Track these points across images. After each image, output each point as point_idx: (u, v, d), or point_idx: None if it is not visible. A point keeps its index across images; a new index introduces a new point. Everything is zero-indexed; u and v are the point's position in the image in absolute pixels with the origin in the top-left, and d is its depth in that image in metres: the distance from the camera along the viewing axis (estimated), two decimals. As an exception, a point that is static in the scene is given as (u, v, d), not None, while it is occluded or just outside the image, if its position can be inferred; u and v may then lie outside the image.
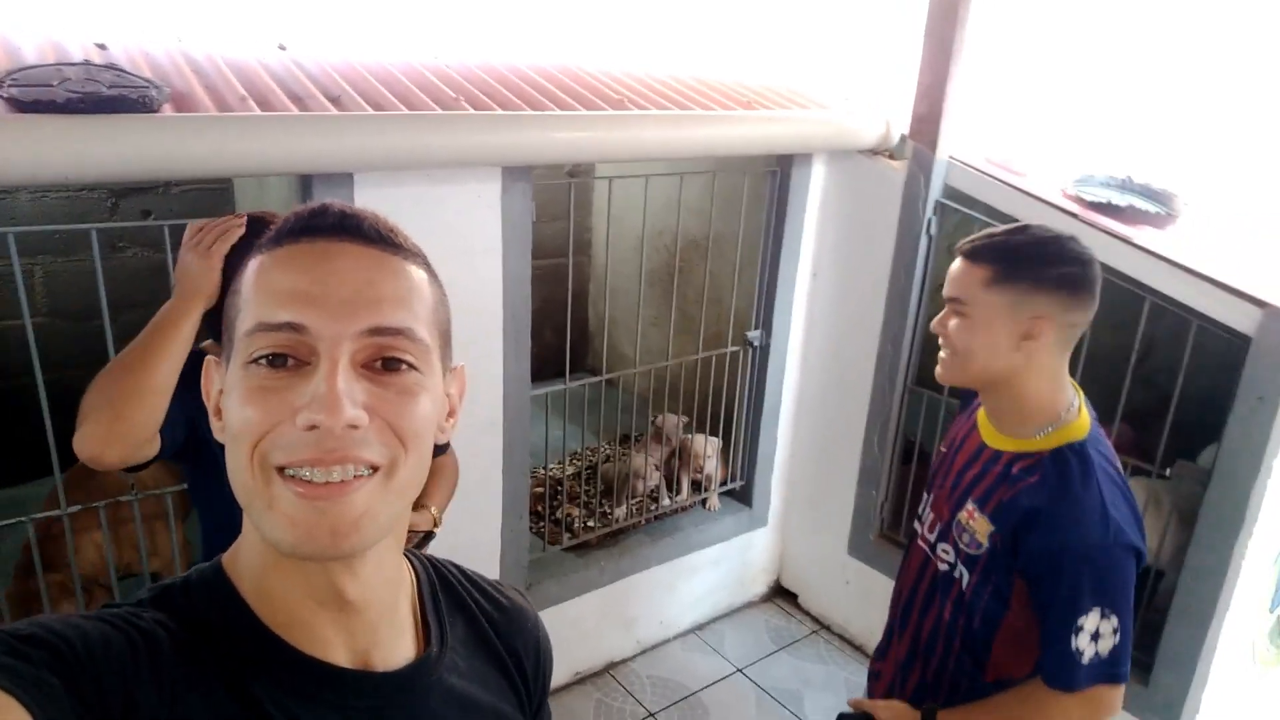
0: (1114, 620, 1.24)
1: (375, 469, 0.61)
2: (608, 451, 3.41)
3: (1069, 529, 1.26)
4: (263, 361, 0.60)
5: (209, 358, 0.68)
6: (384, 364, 0.62)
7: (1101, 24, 2.60)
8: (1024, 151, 2.64)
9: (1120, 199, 2.30)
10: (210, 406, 0.67)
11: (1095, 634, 1.24)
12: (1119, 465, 1.37)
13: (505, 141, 2.06)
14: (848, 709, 1.53)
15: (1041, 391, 1.36)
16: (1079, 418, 1.37)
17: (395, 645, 0.71)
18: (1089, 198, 2.31)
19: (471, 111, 2.03)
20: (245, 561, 0.67)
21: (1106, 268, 2.26)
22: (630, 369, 2.92)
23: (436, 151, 1.97)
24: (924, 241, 2.63)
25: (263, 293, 0.61)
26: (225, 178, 3.26)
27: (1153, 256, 2.15)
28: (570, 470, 3.32)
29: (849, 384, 2.94)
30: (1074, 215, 2.30)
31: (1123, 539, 1.26)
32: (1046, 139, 2.71)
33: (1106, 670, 1.26)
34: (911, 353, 2.79)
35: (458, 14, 2.57)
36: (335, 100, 1.94)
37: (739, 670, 2.94)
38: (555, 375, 2.66)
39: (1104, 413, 2.44)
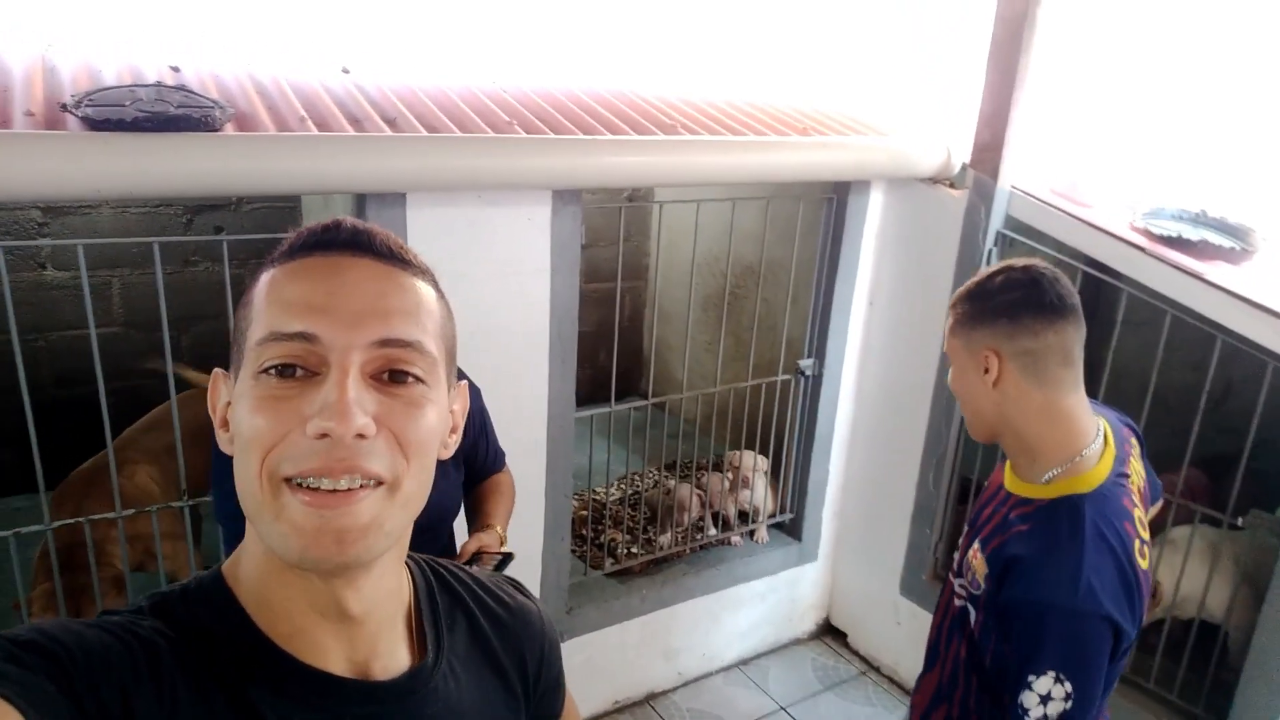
0: (1067, 686, 1.18)
1: (380, 482, 0.61)
2: (656, 477, 3.38)
3: (1040, 584, 1.22)
4: (272, 371, 0.60)
5: (216, 370, 0.69)
6: (391, 376, 0.63)
7: (1174, 50, 2.50)
8: (1091, 182, 2.55)
9: (1193, 233, 2.20)
10: (216, 419, 0.68)
11: (1046, 696, 1.19)
12: (1126, 528, 1.27)
13: (556, 165, 2.08)
14: None
15: (1041, 432, 1.30)
16: (1093, 467, 1.29)
17: (393, 654, 0.72)
18: (1158, 231, 2.21)
19: (523, 135, 2.06)
20: (246, 571, 0.67)
21: (1175, 304, 2.17)
22: (679, 394, 2.89)
23: (488, 173, 2.00)
24: (984, 273, 2.56)
25: (275, 304, 0.62)
26: (285, 195, 3.38)
27: (1226, 294, 2.04)
28: (616, 495, 3.31)
29: (904, 417, 2.86)
30: (1141, 249, 2.20)
31: (1096, 607, 1.18)
32: (1115, 170, 2.61)
33: None
34: (969, 387, 2.70)
35: (516, 39, 2.62)
36: (391, 122, 1.99)
37: (783, 708, 2.86)
38: (608, 398, 2.66)
39: (1175, 456, 2.34)
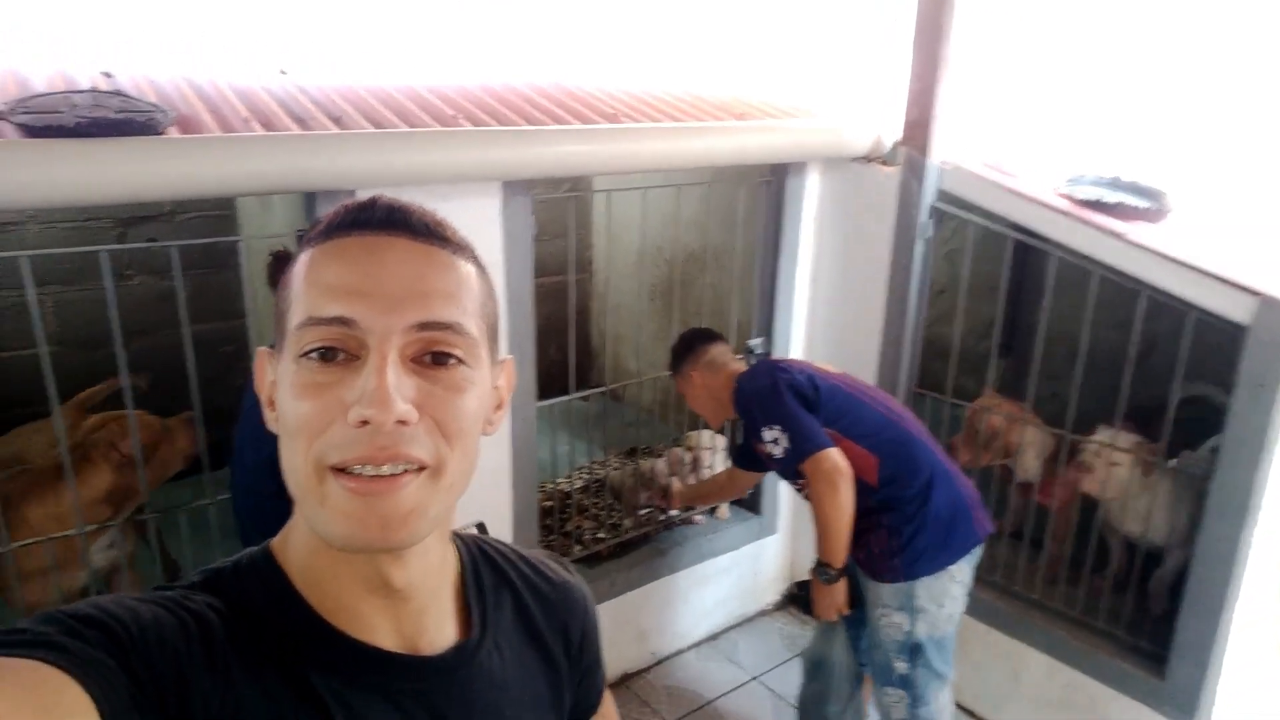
0: (777, 428, 2.04)
1: (423, 467, 0.61)
2: (615, 465, 3.43)
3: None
4: (313, 355, 0.60)
5: (261, 349, 0.69)
6: (433, 358, 0.62)
7: (1088, 25, 2.65)
8: (1016, 153, 2.68)
9: (1111, 196, 2.33)
10: (264, 398, 0.68)
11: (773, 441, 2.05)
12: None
13: (504, 156, 2.10)
14: None
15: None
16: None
17: (440, 629, 0.72)
18: (1080, 196, 2.34)
19: (470, 128, 2.07)
20: (294, 548, 0.68)
21: (1101, 264, 2.30)
22: (635, 381, 2.93)
23: (437, 167, 2.01)
24: (920, 245, 2.66)
25: (313, 287, 0.62)
26: (230, 198, 3.32)
27: (1147, 251, 2.17)
28: (579, 484, 3.34)
29: (852, 389, 2.95)
30: (1066, 214, 2.33)
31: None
32: (1038, 140, 2.74)
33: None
34: (914, 356, 2.81)
35: (456, 35, 2.62)
36: (337, 120, 1.98)
37: (755, 678, 2.93)
38: (560, 393, 2.68)
39: (1107, 410, 2.48)
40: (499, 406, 0.73)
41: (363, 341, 0.60)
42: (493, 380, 0.70)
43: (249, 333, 3.53)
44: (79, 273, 3.16)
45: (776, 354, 3.01)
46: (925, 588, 2.02)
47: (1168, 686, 2.31)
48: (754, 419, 2.10)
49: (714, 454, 3.04)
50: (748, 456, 2.38)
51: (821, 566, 2.09)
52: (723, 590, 3.12)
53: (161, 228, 3.27)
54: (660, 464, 2.99)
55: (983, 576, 2.76)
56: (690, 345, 2.36)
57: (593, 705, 0.92)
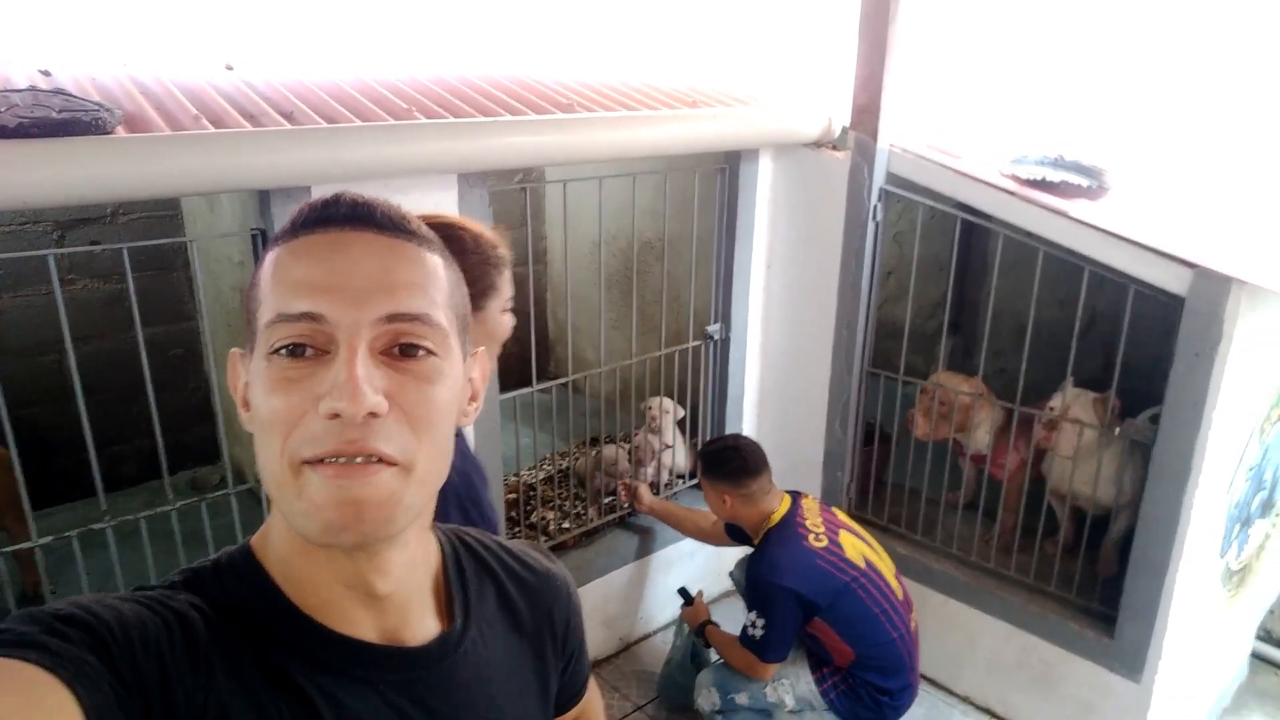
0: (762, 621, 2.24)
1: (394, 464, 0.61)
2: (578, 455, 3.44)
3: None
4: (283, 352, 0.61)
5: (234, 350, 0.69)
6: (402, 350, 0.62)
7: (1030, 6, 2.72)
8: (962, 136, 2.75)
9: (1054, 175, 2.40)
10: (237, 398, 0.68)
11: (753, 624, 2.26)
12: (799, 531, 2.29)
13: (460, 148, 2.09)
14: None
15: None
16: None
17: (423, 621, 0.73)
18: (1025, 175, 2.41)
19: (425, 120, 2.06)
20: (274, 545, 0.68)
21: (1045, 241, 2.38)
22: (595, 370, 2.95)
23: (392, 161, 2.00)
24: (871, 228, 2.72)
25: (280, 284, 0.62)
26: (174, 199, 3.24)
27: (1088, 227, 2.25)
28: (541, 475, 3.34)
29: (808, 371, 3.01)
30: (1011, 193, 2.40)
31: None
32: (982, 122, 2.82)
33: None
34: (866, 336, 2.87)
35: (405, 29, 2.60)
36: (288, 116, 1.95)
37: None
38: (518, 385, 2.68)
39: (1054, 382, 2.57)
40: (474, 398, 0.73)
41: (331, 336, 0.60)
42: (466, 372, 0.70)
43: (202, 335, 3.46)
44: (18, 280, 3.06)
45: (733, 341, 3.05)
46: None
47: (1117, 645, 2.41)
48: (754, 595, 2.30)
49: (669, 417, 3.07)
50: (736, 534, 2.57)
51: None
52: (687, 574, 3.16)
53: (104, 230, 3.18)
54: (617, 450, 3.01)
55: (938, 548, 2.85)
56: (736, 474, 2.36)
57: (578, 692, 0.93)
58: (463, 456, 1.40)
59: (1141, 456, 2.38)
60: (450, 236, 1.40)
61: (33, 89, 1.77)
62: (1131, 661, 2.39)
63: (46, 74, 1.95)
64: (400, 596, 0.70)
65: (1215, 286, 2.06)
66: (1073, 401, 2.49)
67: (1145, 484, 2.28)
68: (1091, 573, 2.61)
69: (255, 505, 2.91)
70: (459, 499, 1.39)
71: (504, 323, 1.46)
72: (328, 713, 0.64)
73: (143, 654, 0.57)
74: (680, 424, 3.17)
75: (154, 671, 0.57)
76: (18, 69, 1.94)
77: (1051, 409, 2.53)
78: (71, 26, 2.15)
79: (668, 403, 3.07)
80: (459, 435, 1.38)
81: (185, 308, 3.44)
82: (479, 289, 1.41)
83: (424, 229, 0.68)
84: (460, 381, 0.68)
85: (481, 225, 1.44)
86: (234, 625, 0.64)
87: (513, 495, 3.03)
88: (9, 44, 2.05)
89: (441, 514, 1.12)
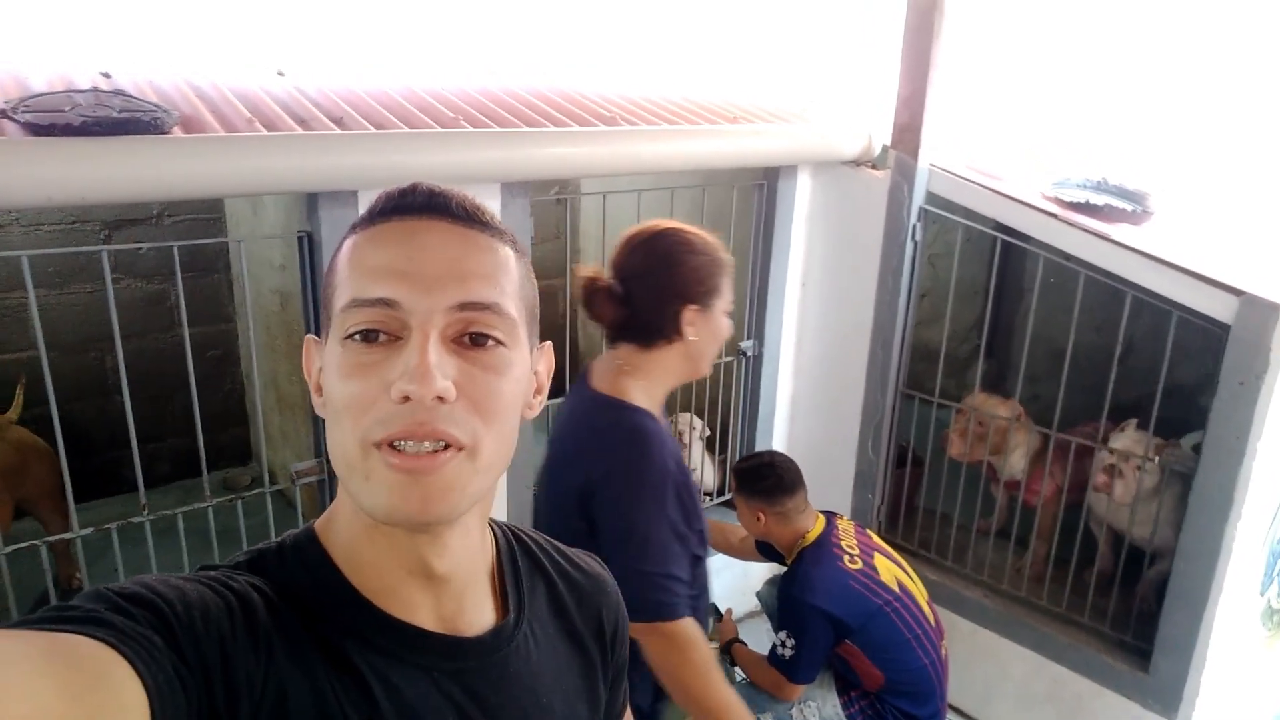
0: (792, 641, 2.16)
1: (461, 448, 0.62)
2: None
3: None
4: (357, 337, 0.62)
5: (309, 336, 0.71)
6: (472, 339, 0.64)
7: (1074, 30, 2.71)
8: (1003, 157, 2.73)
9: (1097, 198, 2.39)
10: (311, 384, 0.69)
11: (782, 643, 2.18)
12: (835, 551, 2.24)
13: (504, 157, 2.12)
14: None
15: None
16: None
17: (479, 611, 0.74)
18: (1067, 198, 2.40)
19: (470, 129, 2.09)
20: (338, 529, 0.69)
21: (1087, 265, 2.36)
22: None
23: (437, 168, 2.02)
24: (909, 247, 2.71)
25: (356, 270, 0.64)
26: (218, 201, 3.30)
27: (1132, 251, 2.23)
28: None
29: (842, 390, 2.99)
30: (1053, 215, 2.38)
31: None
32: (1025, 144, 2.81)
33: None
34: (902, 358, 2.85)
35: (453, 42, 2.64)
36: (338, 121, 1.99)
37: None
38: (549, 396, 2.68)
39: (1091, 410, 2.54)
40: (539, 391, 0.74)
41: (405, 322, 0.62)
42: (532, 364, 0.71)
43: (240, 337, 3.51)
44: (65, 277, 3.12)
45: (766, 357, 3.04)
46: None
47: (1152, 681, 2.36)
48: (785, 614, 2.24)
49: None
50: (767, 551, 2.51)
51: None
52: (714, 592, 3.11)
53: (149, 230, 3.24)
54: None
55: (969, 575, 2.81)
56: (772, 491, 2.30)
57: (616, 715, 0.92)
58: (661, 442, 1.42)
59: (1181, 486, 2.34)
60: (680, 240, 1.45)
61: (95, 90, 1.82)
62: (1167, 698, 2.34)
63: (108, 76, 2.00)
64: (458, 582, 0.71)
65: (1262, 314, 2.03)
66: (1133, 445, 2.41)
67: (1184, 515, 2.23)
68: (1126, 605, 2.56)
69: (287, 506, 2.94)
70: (675, 486, 1.41)
71: (725, 324, 1.51)
72: (382, 695, 0.65)
73: (204, 634, 0.58)
74: (708, 442, 3.16)
75: (215, 651, 0.58)
76: (81, 71, 1.99)
77: (1111, 450, 2.45)
78: (132, 32, 2.21)
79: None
80: (650, 419, 1.41)
81: (224, 310, 3.49)
82: (706, 288, 1.47)
83: (496, 220, 0.69)
84: (527, 373, 0.69)
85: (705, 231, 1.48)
86: (295, 607, 0.65)
87: (541, 505, 3.03)
88: (73, 48, 2.11)
89: (659, 499, 1.10)
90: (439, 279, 0.62)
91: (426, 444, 0.61)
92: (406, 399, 0.60)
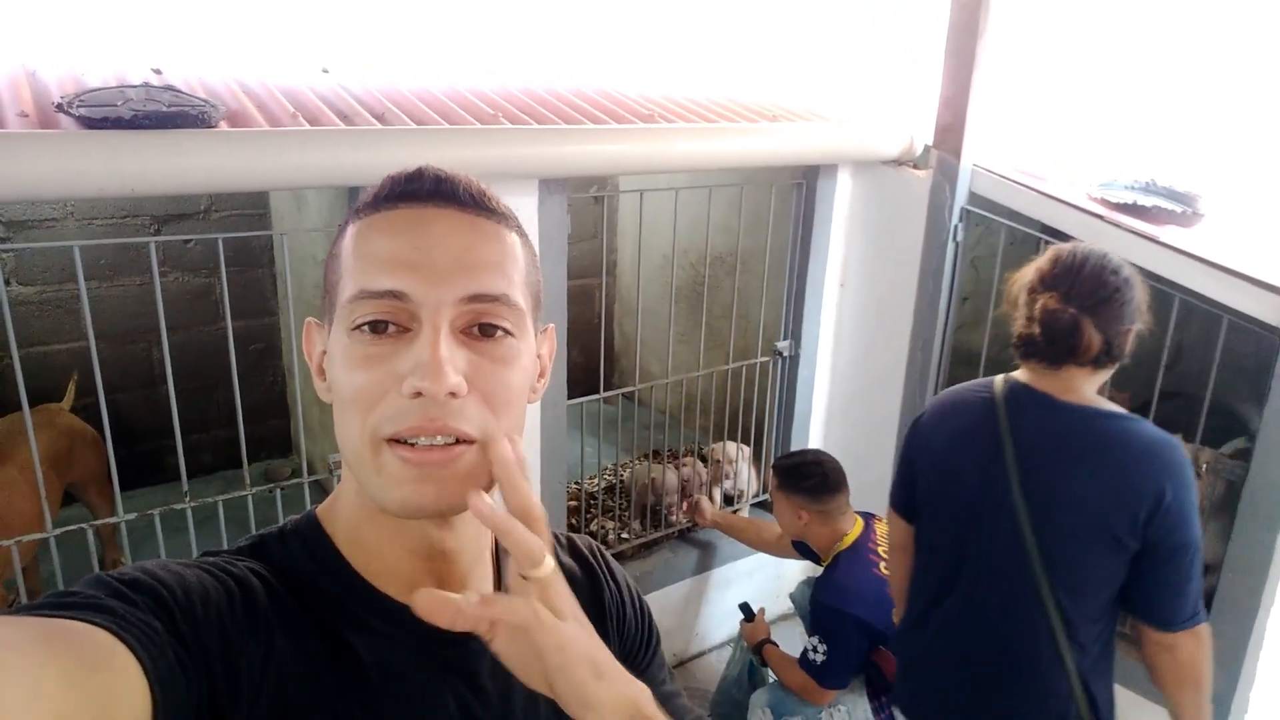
0: (824, 647, 2.19)
1: (473, 442, 0.62)
2: (630, 469, 3.44)
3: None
4: (365, 328, 0.61)
5: (309, 319, 0.70)
6: (481, 330, 0.63)
7: (1120, 30, 2.66)
8: (1047, 157, 2.68)
9: (1145, 200, 2.33)
10: (313, 366, 0.69)
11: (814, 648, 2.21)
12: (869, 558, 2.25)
13: (542, 153, 2.13)
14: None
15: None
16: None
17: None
18: (1114, 199, 2.34)
19: (509, 126, 2.10)
20: (340, 512, 0.69)
21: (1136, 268, 2.30)
22: (661, 381, 2.95)
23: (476, 163, 2.04)
24: (951, 248, 2.67)
25: (363, 259, 0.63)
26: (263, 197, 3.37)
27: (1181, 254, 2.18)
28: (602, 485, 3.35)
29: (879, 392, 2.96)
30: (1100, 217, 2.33)
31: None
32: (1069, 144, 2.75)
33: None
34: (941, 360, 2.81)
35: (495, 40, 2.66)
36: (380, 117, 2.01)
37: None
38: (580, 395, 2.69)
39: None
40: (542, 374, 0.73)
41: (414, 314, 0.61)
42: (537, 349, 0.70)
43: (283, 330, 3.57)
44: (115, 269, 3.20)
45: (803, 358, 3.02)
46: None
47: (1198, 694, 2.29)
48: (818, 619, 2.24)
49: (737, 466, 3.04)
50: (803, 549, 2.51)
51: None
52: (747, 593, 3.12)
53: (197, 225, 3.31)
54: (664, 472, 2.97)
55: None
56: (816, 489, 2.29)
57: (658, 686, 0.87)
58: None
59: (1227, 494, 2.27)
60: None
61: (145, 85, 1.87)
62: (1215, 714, 2.27)
63: (158, 72, 2.05)
64: (463, 562, 0.70)
65: (1318, 319, 1.96)
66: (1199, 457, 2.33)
67: (1230, 524, 2.17)
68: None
69: (325, 496, 2.99)
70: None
71: None
72: (379, 679, 0.65)
73: (204, 619, 0.58)
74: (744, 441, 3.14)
75: (215, 636, 0.58)
76: (132, 68, 2.04)
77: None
78: (183, 31, 2.26)
79: (733, 448, 3.03)
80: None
81: (267, 304, 3.55)
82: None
83: (503, 205, 0.68)
84: (533, 360, 0.69)
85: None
86: (295, 591, 0.65)
87: (573, 503, 3.04)
88: (127, 46, 2.17)
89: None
90: (448, 270, 0.61)
91: (439, 439, 0.60)
92: (419, 394, 0.59)
